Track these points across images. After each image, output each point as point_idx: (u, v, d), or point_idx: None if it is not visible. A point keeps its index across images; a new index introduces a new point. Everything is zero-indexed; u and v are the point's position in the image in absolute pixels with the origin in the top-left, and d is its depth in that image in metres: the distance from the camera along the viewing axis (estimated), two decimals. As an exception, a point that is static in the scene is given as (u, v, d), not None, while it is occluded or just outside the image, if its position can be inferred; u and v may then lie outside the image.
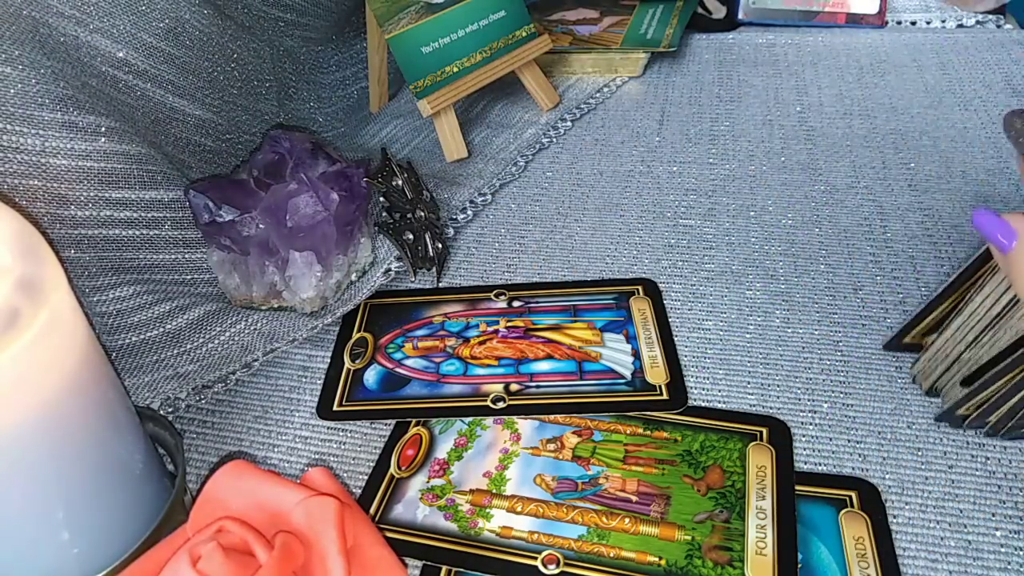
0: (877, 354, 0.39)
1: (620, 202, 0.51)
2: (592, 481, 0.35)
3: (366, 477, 0.36)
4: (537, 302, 0.44)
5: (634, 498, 0.34)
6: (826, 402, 0.37)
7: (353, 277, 0.45)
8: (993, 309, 0.32)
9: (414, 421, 0.38)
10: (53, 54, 0.39)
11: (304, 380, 0.41)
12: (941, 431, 0.36)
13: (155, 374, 0.40)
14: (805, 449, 0.35)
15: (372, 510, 0.34)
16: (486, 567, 0.32)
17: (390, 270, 0.45)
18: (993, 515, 0.32)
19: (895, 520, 0.32)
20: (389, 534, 0.33)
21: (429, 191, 0.47)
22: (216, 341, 0.42)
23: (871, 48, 0.63)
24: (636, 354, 0.40)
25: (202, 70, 0.49)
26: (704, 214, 0.49)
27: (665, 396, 0.38)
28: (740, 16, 0.68)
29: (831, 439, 0.36)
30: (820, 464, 0.35)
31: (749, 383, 0.38)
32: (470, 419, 0.38)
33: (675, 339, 0.41)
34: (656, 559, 0.31)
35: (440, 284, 0.46)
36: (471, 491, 0.35)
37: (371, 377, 0.40)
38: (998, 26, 0.64)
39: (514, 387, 0.39)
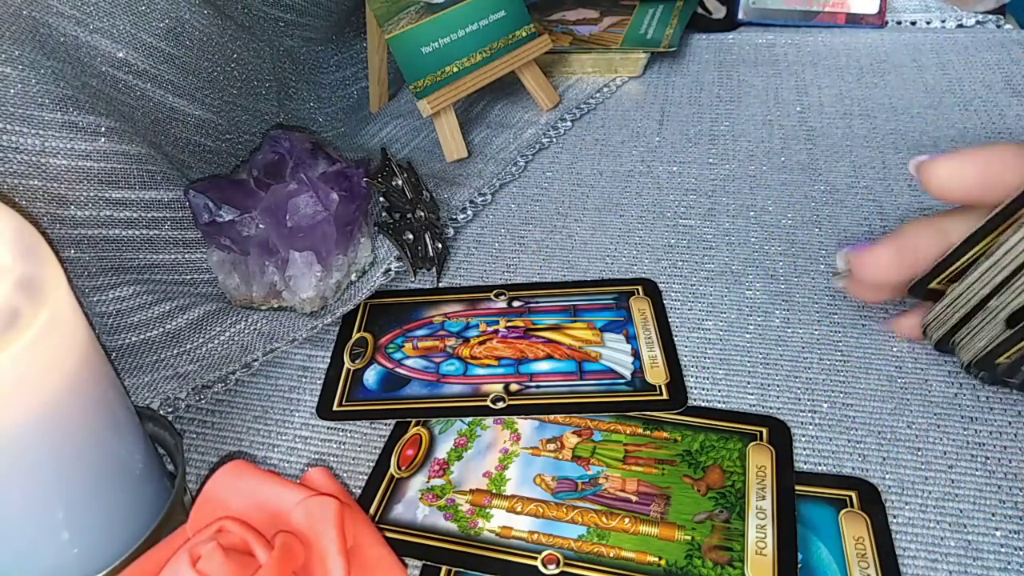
0: (877, 354, 0.39)
1: (620, 202, 0.51)
2: (592, 481, 0.35)
3: (366, 477, 0.36)
4: (537, 302, 0.44)
5: (634, 498, 0.34)
6: (826, 402, 0.37)
7: (353, 277, 0.45)
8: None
9: (414, 421, 0.38)
10: (53, 54, 0.39)
11: (304, 380, 0.41)
12: (941, 431, 0.36)
13: (155, 374, 0.40)
14: (805, 449, 0.35)
15: (372, 510, 0.34)
16: (486, 567, 0.32)
17: (390, 270, 0.45)
18: (993, 515, 0.32)
19: (895, 520, 0.32)
20: (389, 534, 0.33)
21: (429, 191, 0.47)
22: (216, 341, 0.42)
23: (871, 48, 0.63)
24: (636, 354, 0.40)
25: (202, 70, 0.49)
26: (704, 214, 0.49)
27: (665, 396, 0.38)
28: (740, 16, 0.68)
29: (831, 439, 0.36)
30: (820, 464, 0.35)
31: (749, 383, 0.39)
32: (470, 419, 0.38)
33: (675, 339, 0.41)
34: (656, 559, 0.31)
35: (440, 284, 0.46)
36: (471, 491, 0.35)
37: (371, 377, 0.40)
38: (998, 26, 0.64)
39: (514, 387, 0.39)
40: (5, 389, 0.25)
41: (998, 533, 0.32)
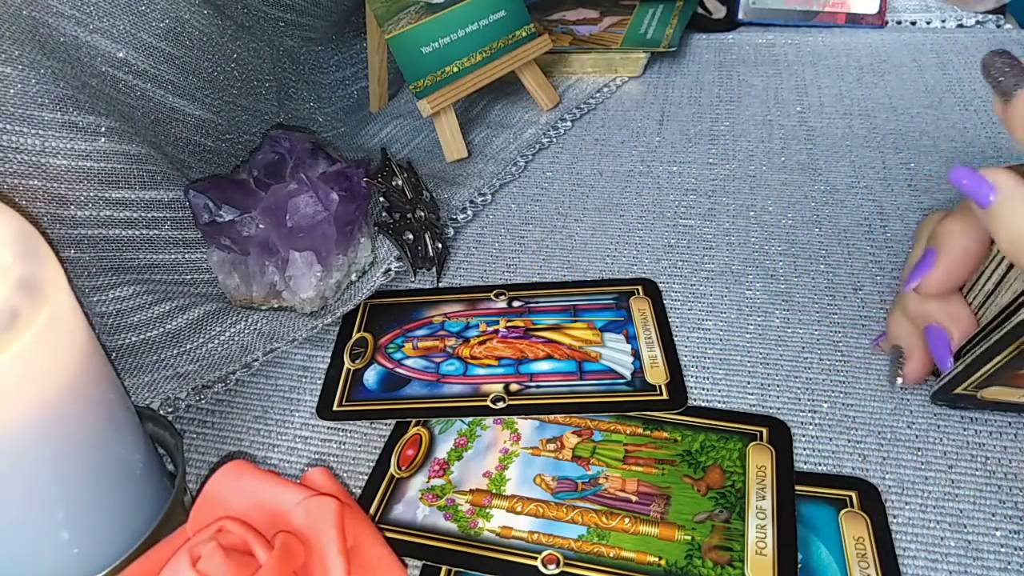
0: (877, 354, 0.39)
1: (620, 202, 0.51)
2: (592, 481, 0.35)
3: (366, 477, 0.36)
4: (537, 302, 0.44)
5: (634, 498, 0.34)
6: (826, 402, 0.37)
7: (353, 277, 0.45)
8: (993, 278, 0.32)
9: (414, 421, 0.38)
10: (53, 54, 0.39)
11: (304, 380, 0.41)
12: (941, 431, 0.36)
13: (155, 374, 0.40)
14: (805, 449, 0.35)
15: (372, 510, 0.34)
16: (486, 567, 0.32)
17: (390, 270, 0.45)
18: (993, 515, 0.32)
19: (895, 520, 0.32)
20: (389, 534, 0.33)
21: (429, 191, 0.47)
22: (216, 341, 0.42)
23: (871, 48, 0.63)
24: (636, 354, 0.40)
25: (202, 70, 0.49)
26: (704, 214, 0.49)
27: (665, 396, 0.38)
28: (740, 16, 0.68)
29: (831, 439, 0.36)
30: (820, 464, 0.35)
31: (749, 383, 0.39)
32: (470, 419, 0.38)
33: (675, 339, 0.41)
34: (656, 559, 0.31)
35: (440, 284, 0.46)
36: (471, 491, 0.35)
37: (371, 377, 0.40)
38: (998, 26, 0.64)
39: (514, 387, 0.39)
40: (5, 389, 0.25)
41: (998, 533, 0.32)
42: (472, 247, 0.48)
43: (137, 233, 0.42)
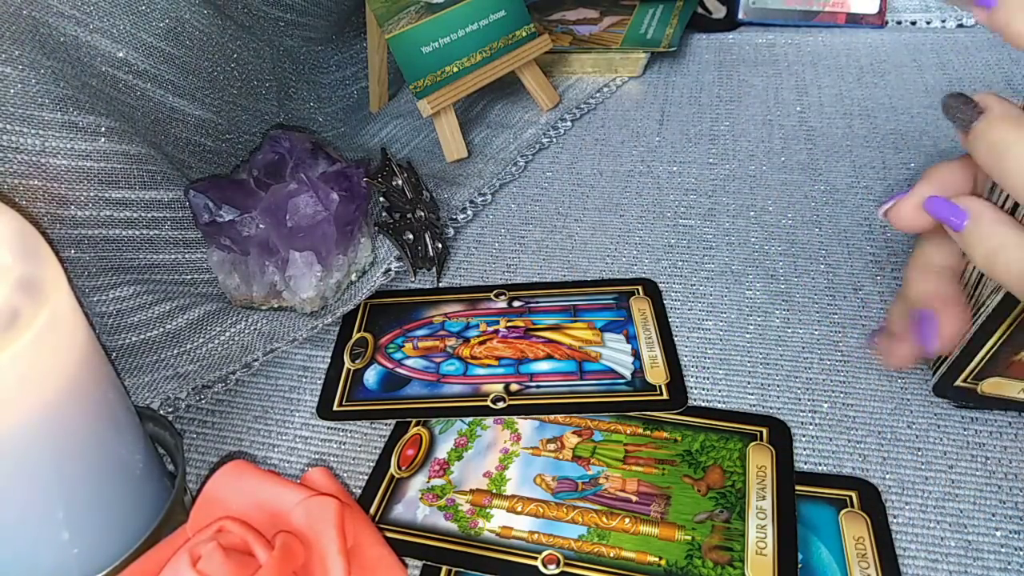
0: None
1: (620, 202, 0.51)
2: (592, 481, 0.35)
3: (366, 477, 0.36)
4: (537, 302, 0.44)
5: (634, 498, 0.34)
6: (826, 402, 0.37)
7: (353, 277, 0.45)
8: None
9: (414, 421, 0.38)
10: (53, 54, 0.39)
11: (304, 380, 0.41)
12: (941, 431, 0.36)
13: (155, 374, 0.40)
14: (805, 449, 0.35)
15: (372, 510, 0.34)
16: (486, 567, 0.32)
17: (390, 270, 0.45)
18: (993, 515, 0.32)
19: (895, 520, 0.32)
20: (389, 534, 0.33)
21: (429, 191, 0.47)
22: (216, 341, 0.42)
23: (871, 48, 0.63)
24: (636, 354, 0.40)
25: (202, 70, 0.49)
26: (704, 214, 0.49)
27: (665, 396, 0.38)
28: (740, 16, 0.68)
29: (831, 439, 0.36)
30: (820, 464, 0.35)
31: (749, 383, 0.39)
32: (470, 419, 0.38)
33: (675, 339, 0.41)
34: (656, 559, 0.31)
35: (440, 284, 0.46)
36: (471, 491, 0.35)
37: (371, 377, 0.40)
38: (998, 26, 0.64)
39: (514, 387, 0.39)
40: (5, 389, 0.25)
41: (998, 533, 0.32)
42: (472, 247, 0.48)
43: (137, 233, 0.42)
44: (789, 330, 0.41)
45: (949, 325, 0.32)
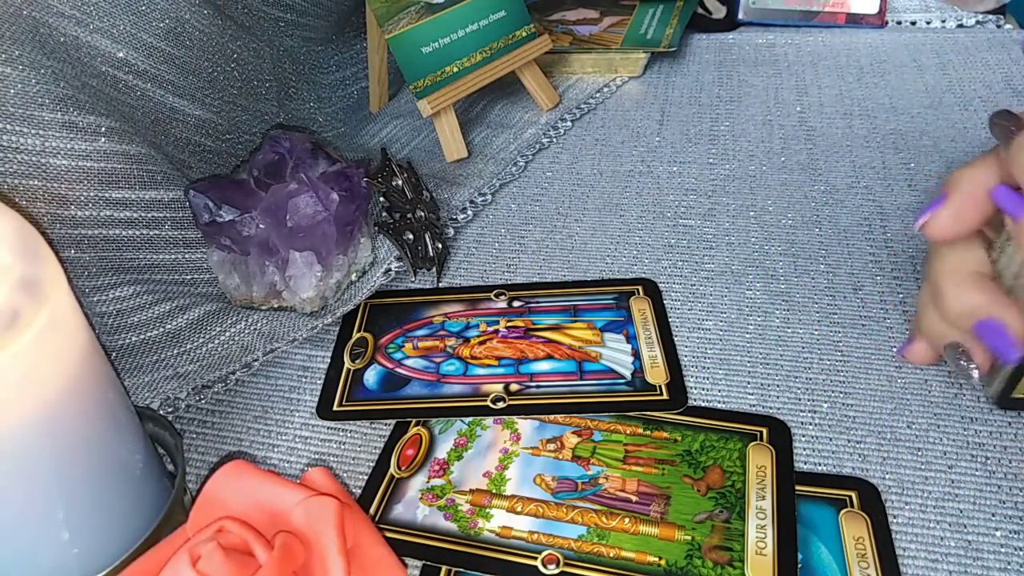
0: (877, 354, 0.39)
1: (620, 202, 0.51)
2: (592, 481, 0.35)
3: (366, 477, 0.36)
4: (537, 302, 0.44)
5: (634, 498, 0.34)
6: (826, 402, 0.37)
7: (353, 277, 0.45)
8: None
9: (414, 421, 0.38)
10: (53, 54, 0.39)
11: (304, 380, 0.41)
12: (941, 431, 0.36)
13: (155, 374, 0.40)
14: (805, 449, 0.35)
15: (372, 510, 0.34)
16: (486, 567, 0.32)
17: (390, 270, 0.45)
18: (993, 515, 0.32)
19: (895, 520, 0.32)
20: (389, 534, 0.33)
21: (429, 191, 0.47)
22: (216, 341, 0.42)
23: (871, 48, 0.63)
24: (636, 354, 0.40)
25: (202, 70, 0.49)
26: (704, 214, 0.49)
27: (665, 396, 0.38)
28: (740, 16, 0.68)
29: (831, 439, 0.36)
30: (820, 464, 0.35)
31: (749, 383, 0.39)
32: (470, 419, 0.38)
33: (675, 339, 0.41)
34: (656, 559, 0.31)
35: (440, 284, 0.46)
36: (471, 491, 0.35)
37: (371, 377, 0.40)
38: (998, 26, 0.64)
39: (514, 387, 0.39)
40: (6, 389, 0.25)
41: (998, 533, 0.32)
42: (472, 247, 0.48)
43: (137, 233, 0.42)
44: (789, 330, 0.41)
45: (1020, 328, 0.31)
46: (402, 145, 0.57)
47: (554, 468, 0.35)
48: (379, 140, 0.58)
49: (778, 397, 0.38)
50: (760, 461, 0.35)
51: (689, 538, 0.32)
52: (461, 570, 0.32)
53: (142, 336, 0.41)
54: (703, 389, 0.38)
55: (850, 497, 0.33)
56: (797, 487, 0.34)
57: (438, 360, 0.41)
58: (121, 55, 0.43)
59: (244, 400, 0.40)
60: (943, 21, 0.65)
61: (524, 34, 0.56)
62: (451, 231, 0.49)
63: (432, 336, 0.42)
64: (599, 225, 0.49)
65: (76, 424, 0.28)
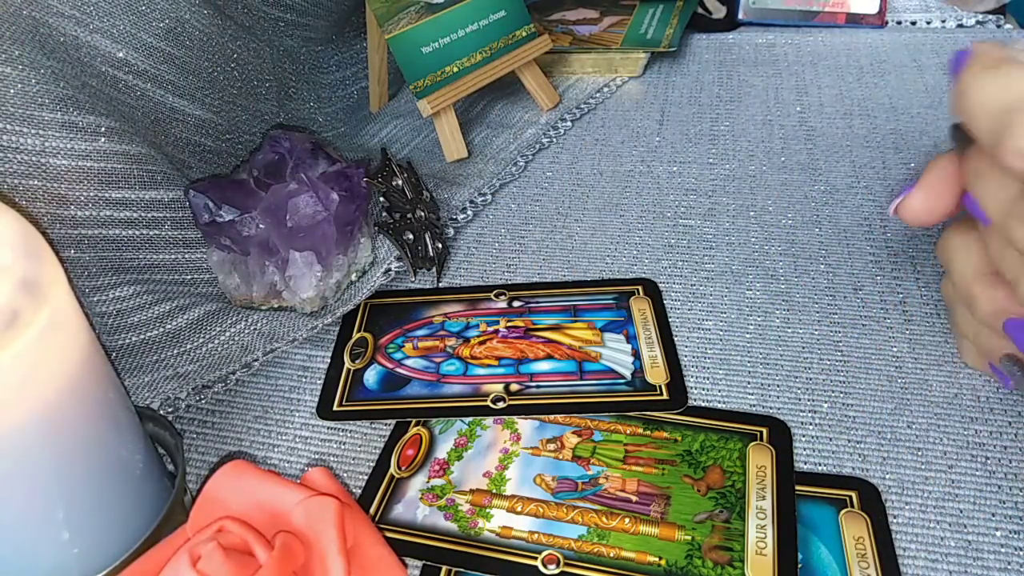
0: (877, 354, 0.39)
1: (620, 202, 0.51)
2: (592, 481, 0.35)
3: (366, 477, 0.36)
4: (537, 302, 0.44)
5: (634, 498, 0.34)
6: (826, 402, 0.37)
7: (353, 277, 0.45)
8: None
9: (414, 421, 0.38)
10: (53, 54, 0.39)
11: (304, 380, 0.41)
12: (941, 431, 0.36)
13: (155, 374, 0.40)
14: (805, 449, 0.35)
15: (372, 510, 0.34)
16: (486, 567, 0.32)
17: (390, 270, 0.45)
18: (993, 515, 0.32)
19: (895, 520, 0.32)
20: (389, 534, 0.33)
21: (429, 191, 0.47)
22: (216, 341, 0.42)
23: (871, 48, 0.63)
24: (636, 354, 0.40)
25: (202, 70, 0.49)
26: (704, 214, 0.49)
27: (665, 396, 0.38)
28: (740, 16, 0.68)
29: (831, 439, 0.36)
30: (820, 464, 0.35)
31: (749, 383, 0.39)
32: (470, 419, 0.38)
33: (675, 339, 0.41)
34: (656, 559, 0.31)
35: (440, 284, 0.46)
36: (471, 491, 0.35)
37: (371, 377, 0.40)
38: (998, 26, 0.64)
39: (514, 387, 0.39)
40: (5, 389, 0.25)
41: (998, 533, 0.32)
42: (472, 247, 0.48)
43: (137, 233, 0.42)
44: (789, 330, 0.41)
45: None
46: (402, 145, 0.57)
47: (554, 468, 0.35)
48: (379, 140, 0.58)
49: (778, 397, 0.38)
50: (760, 461, 0.35)
51: (689, 538, 0.32)
52: (461, 570, 0.32)
53: (142, 336, 0.41)
54: (703, 389, 0.38)
55: (850, 497, 0.33)
56: (797, 487, 0.34)
57: (438, 360, 0.41)
58: (121, 55, 0.43)
59: (244, 400, 0.40)
60: (943, 21, 0.65)
61: (524, 34, 0.56)
62: (451, 231, 0.49)
63: (432, 336, 0.42)
64: (599, 225, 0.49)
65: (76, 424, 0.28)
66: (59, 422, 0.27)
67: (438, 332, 0.43)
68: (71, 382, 0.27)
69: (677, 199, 0.50)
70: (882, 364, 0.39)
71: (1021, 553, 0.31)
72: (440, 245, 0.46)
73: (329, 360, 0.42)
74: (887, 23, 0.65)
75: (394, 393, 0.39)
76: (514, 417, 0.38)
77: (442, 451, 0.37)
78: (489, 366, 0.40)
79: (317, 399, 0.40)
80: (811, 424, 0.36)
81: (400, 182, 0.46)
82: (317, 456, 0.37)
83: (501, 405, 0.38)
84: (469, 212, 0.50)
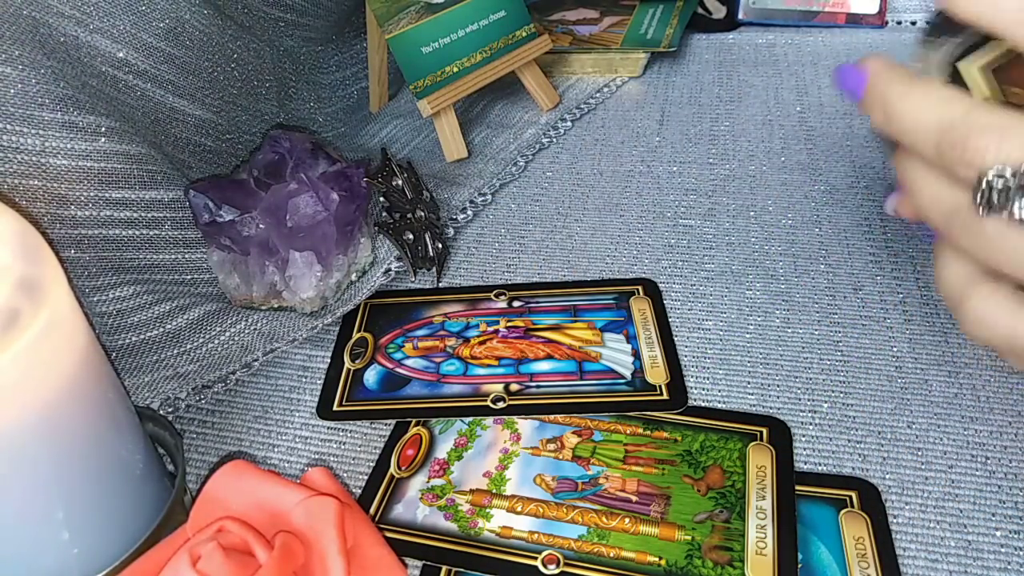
0: (877, 354, 0.39)
1: (620, 202, 0.51)
2: (592, 481, 0.35)
3: (366, 477, 0.36)
4: (537, 302, 0.44)
5: (634, 498, 0.34)
6: (826, 402, 0.37)
7: (353, 277, 0.45)
8: None
9: (414, 421, 0.38)
10: (53, 54, 0.39)
11: (304, 380, 0.41)
12: (941, 431, 0.36)
13: (155, 374, 0.40)
14: (805, 449, 0.35)
15: (372, 510, 0.34)
16: (486, 567, 0.32)
17: (390, 270, 0.45)
18: (993, 515, 0.32)
19: (895, 520, 0.32)
20: (389, 534, 0.33)
21: (429, 191, 0.47)
22: (216, 341, 0.42)
23: (871, 48, 0.63)
24: (636, 354, 0.40)
25: (202, 70, 0.49)
26: (704, 214, 0.49)
27: (665, 396, 0.38)
28: (740, 16, 0.68)
29: (831, 439, 0.36)
30: (820, 464, 0.35)
31: (749, 383, 0.39)
32: (470, 419, 0.38)
33: (675, 339, 0.41)
34: (656, 559, 0.31)
35: (440, 284, 0.46)
36: (471, 491, 0.35)
37: (371, 377, 0.40)
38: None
39: (514, 387, 0.39)
40: (5, 389, 0.25)
41: (998, 533, 0.32)
42: (472, 247, 0.48)
43: (137, 233, 0.42)
44: (789, 330, 0.41)
45: None
46: (402, 145, 0.57)
47: (554, 468, 0.35)
48: (379, 140, 0.58)
49: (778, 397, 0.38)
50: (760, 461, 0.35)
51: (689, 538, 0.32)
52: (461, 570, 0.32)
53: (142, 336, 0.41)
54: (703, 389, 0.38)
55: (850, 497, 0.33)
56: (797, 487, 0.34)
57: (438, 360, 0.41)
58: (121, 55, 0.43)
59: (244, 400, 0.40)
60: (943, 21, 0.65)
61: (524, 34, 0.56)
62: (451, 231, 0.49)
63: (432, 336, 0.42)
64: (599, 225, 0.49)
65: (76, 424, 0.28)
66: (59, 422, 0.27)
67: (438, 332, 0.43)
68: (70, 382, 0.27)
69: (677, 199, 0.50)
70: (882, 364, 0.39)
71: (1021, 553, 0.31)
72: (440, 245, 0.46)
73: (329, 360, 0.42)
74: (887, 23, 0.65)
75: (394, 393, 0.39)
76: (514, 417, 0.38)
77: (442, 451, 0.37)
78: (489, 366, 0.40)
79: (317, 399, 0.40)
80: (811, 424, 0.36)
81: (400, 182, 0.46)
82: (317, 456, 0.37)
83: (501, 405, 0.38)
84: (469, 212, 0.50)
